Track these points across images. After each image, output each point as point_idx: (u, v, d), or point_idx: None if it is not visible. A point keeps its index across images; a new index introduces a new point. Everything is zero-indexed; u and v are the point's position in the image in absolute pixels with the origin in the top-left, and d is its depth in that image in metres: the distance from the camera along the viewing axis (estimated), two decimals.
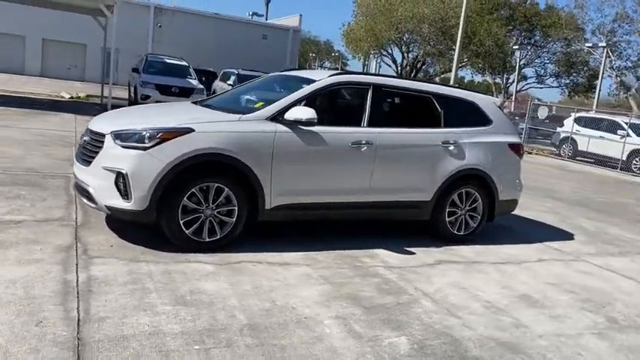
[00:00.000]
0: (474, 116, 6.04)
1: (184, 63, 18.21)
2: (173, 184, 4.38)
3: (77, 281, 3.69)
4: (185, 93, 15.71)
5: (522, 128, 21.24)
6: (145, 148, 4.34)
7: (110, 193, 4.39)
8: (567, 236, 7.03)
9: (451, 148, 5.67)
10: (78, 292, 3.52)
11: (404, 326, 3.63)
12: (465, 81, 59.08)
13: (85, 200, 4.65)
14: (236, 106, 5.41)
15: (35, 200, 5.53)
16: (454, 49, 26.18)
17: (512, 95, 42.47)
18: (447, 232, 5.82)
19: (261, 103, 5.04)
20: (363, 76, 5.52)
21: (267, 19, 52.66)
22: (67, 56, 36.64)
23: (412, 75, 35.62)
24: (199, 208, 4.54)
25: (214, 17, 40.03)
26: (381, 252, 5.23)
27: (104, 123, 4.77)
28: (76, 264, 3.99)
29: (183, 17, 38.91)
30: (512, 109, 34.68)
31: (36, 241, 4.35)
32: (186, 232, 4.50)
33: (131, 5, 37.70)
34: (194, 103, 5.61)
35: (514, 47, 39.92)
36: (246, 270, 4.30)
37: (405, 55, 35.66)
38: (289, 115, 4.79)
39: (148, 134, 4.38)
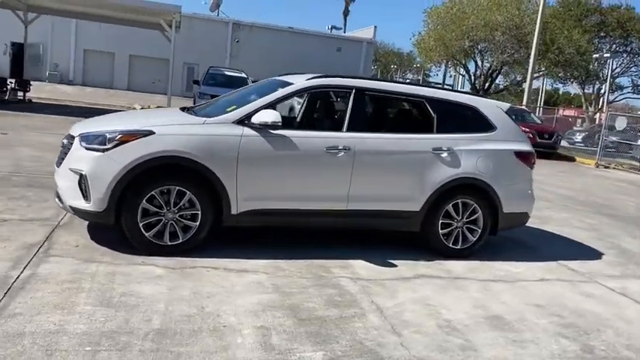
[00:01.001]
0: (474, 122, 5.62)
1: (243, 75, 18.68)
2: (132, 186, 4.40)
3: (17, 277, 3.77)
4: None
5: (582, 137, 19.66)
6: (103, 150, 4.40)
7: (74, 194, 4.49)
8: (593, 255, 6.35)
9: (444, 155, 5.30)
10: (9, 288, 3.59)
11: (330, 341, 3.38)
12: (548, 90, 56.11)
13: (56, 200, 4.79)
14: (218, 112, 5.37)
15: (36, 201, 5.78)
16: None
17: (603, 106, 39.77)
18: (440, 245, 5.44)
19: (233, 107, 4.97)
20: (344, 79, 5.29)
21: (345, 32, 53.03)
22: (152, 71, 38.74)
23: (486, 86, 34.32)
24: (160, 211, 4.53)
25: (289, 31, 40.81)
26: (359, 263, 4.97)
27: (80, 126, 4.90)
28: (29, 261, 4.09)
29: (260, 32, 39.99)
30: (602, 121, 32.33)
31: (6, 238, 4.52)
32: (147, 234, 4.50)
33: (211, 22, 39.53)
34: (183, 109, 5.63)
35: (605, 55, 37.49)
36: (197, 275, 4.22)
37: (479, 64, 34.44)
38: (255, 119, 4.68)
39: (108, 137, 4.44)
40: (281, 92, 4.98)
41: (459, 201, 5.42)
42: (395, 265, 5.04)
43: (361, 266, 4.90)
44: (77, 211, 4.51)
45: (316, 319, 3.68)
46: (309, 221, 5.06)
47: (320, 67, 38.78)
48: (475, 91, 34.93)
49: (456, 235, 5.49)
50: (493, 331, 3.83)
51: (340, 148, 4.93)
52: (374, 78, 6.10)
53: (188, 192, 4.54)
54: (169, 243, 4.58)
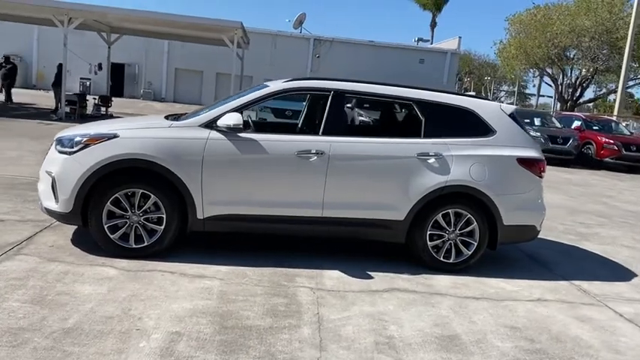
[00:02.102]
0: (470, 126, 5.19)
1: None
2: (96, 188, 4.48)
3: None
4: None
5: None
6: (70, 153, 4.53)
7: (47, 195, 4.65)
8: (621, 277, 5.61)
9: (431, 161, 4.92)
10: None
11: (239, 351, 3.20)
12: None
13: (38, 202, 4.98)
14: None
15: None
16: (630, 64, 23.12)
17: None
18: (428, 258, 5.04)
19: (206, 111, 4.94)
20: (322, 81, 5.08)
21: (432, 44, 52.11)
22: (236, 87, 40.27)
23: (574, 96, 32.09)
24: (126, 214, 4.57)
25: (370, 45, 40.75)
26: (332, 273, 4.72)
27: (65, 130, 5.08)
28: None
29: (341, 47, 40.33)
30: None
31: None
32: (112, 237, 4.55)
33: (292, 39, 40.42)
34: (167, 116, 5.54)
35: None
36: (148, 278, 4.19)
37: (567, 73, 32.27)
38: (220, 122, 4.61)
39: (75, 140, 4.56)
40: (252, 95, 4.89)
41: (449, 211, 5.01)
42: (371, 277, 4.74)
43: (332, 276, 4.65)
44: (50, 212, 4.66)
45: (241, 328, 3.50)
46: (282, 228, 4.89)
47: (401, 79, 38.19)
48: (563, 102, 32.81)
49: (448, 248, 5.07)
50: (436, 352, 3.44)
51: (313, 152, 4.73)
52: (362, 81, 5.50)
53: (152, 195, 4.55)
54: (134, 246, 4.60)
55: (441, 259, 5.05)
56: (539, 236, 6.79)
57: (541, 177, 5.27)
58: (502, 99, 79.16)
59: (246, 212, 4.73)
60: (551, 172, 15.69)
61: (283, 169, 4.73)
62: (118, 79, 38.92)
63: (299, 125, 6.33)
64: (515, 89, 73.05)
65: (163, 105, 33.42)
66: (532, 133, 17.62)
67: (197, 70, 39.42)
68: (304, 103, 6.56)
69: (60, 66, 16.97)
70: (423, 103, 5.09)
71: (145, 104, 32.03)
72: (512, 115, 5.31)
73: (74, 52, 32.81)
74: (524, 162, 5.14)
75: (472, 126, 5.17)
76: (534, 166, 5.19)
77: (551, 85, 35.14)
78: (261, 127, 5.96)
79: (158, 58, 38.95)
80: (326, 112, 4.92)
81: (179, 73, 39.86)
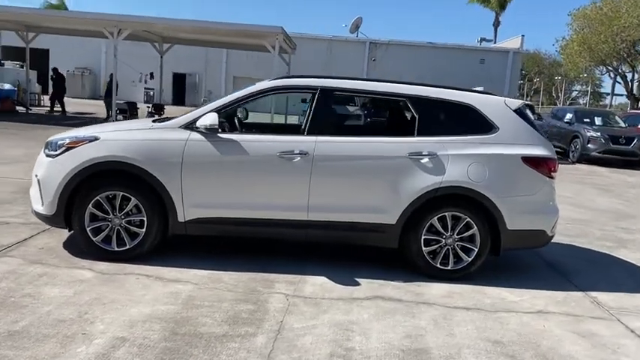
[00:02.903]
0: (469, 122, 4.82)
1: None
2: (78, 190, 4.49)
3: None
4: None
5: None
6: (54, 156, 4.57)
7: (36, 198, 4.71)
8: None
9: (424, 160, 4.60)
10: None
11: None
12: None
13: None
14: None
15: None
16: None
17: None
18: (423, 265, 4.71)
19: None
20: (310, 79, 4.88)
21: (495, 43, 50.44)
22: (294, 94, 40.55)
23: None
24: (108, 217, 4.56)
25: (428, 46, 39.96)
26: (317, 279, 4.51)
27: (56, 134, 5.15)
28: None
29: (397, 49, 39.78)
30: None
31: None
32: (94, 239, 4.55)
33: (348, 43, 40.26)
34: (154, 120, 5.48)
35: None
36: (120, 282, 4.14)
37: (638, 69, 30.18)
38: (199, 123, 4.52)
39: (58, 143, 4.60)
40: (237, 95, 4.76)
41: (445, 214, 4.66)
42: (357, 284, 4.48)
43: (315, 282, 4.43)
44: (37, 215, 4.72)
45: (192, 336, 3.36)
46: (266, 231, 4.72)
47: (462, 80, 37.21)
48: (634, 100, 30.70)
49: (446, 254, 4.72)
50: None
51: (296, 152, 4.54)
52: (354, 78, 5.11)
53: (133, 198, 4.51)
54: (117, 249, 4.57)
55: (438, 265, 4.71)
56: (566, 242, 6.31)
57: (551, 177, 4.81)
58: (574, 99, 75.47)
59: (228, 215, 4.60)
60: (610, 174, 14.66)
61: (265, 170, 4.57)
62: (180, 89, 40.22)
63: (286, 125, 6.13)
64: (589, 88, 69.41)
65: (280, 116, 34.08)
66: (591, 133, 16.59)
67: (254, 78, 39.55)
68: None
69: (111, 76, 17.65)
70: (416, 100, 4.78)
71: (265, 116, 32.75)
72: (518, 111, 4.89)
73: (134, 63, 34.28)
74: (530, 161, 4.71)
75: (471, 123, 4.80)
76: (542, 165, 4.75)
77: (620, 83, 33.04)
78: (252, 127, 5.81)
79: (217, 68, 39.90)
80: (311, 111, 4.72)
81: (237, 81, 40.59)
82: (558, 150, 18.92)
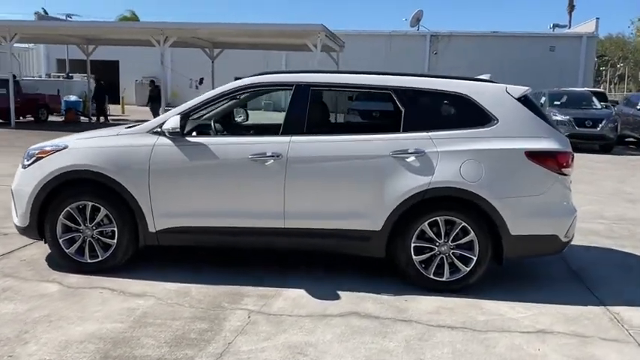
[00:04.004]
0: (461, 114, 4.28)
1: None
2: (49, 201, 4.37)
3: None
4: None
5: None
6: (25, 166, 4.47)
7: (13, 210, 4.63)
8: None
9: (410, 159, 4.11)
10: None
11: None
12: None
13: None
14: None
15: None
16: None
17: None
18: (415, 276, 4.22)
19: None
20: (285, 74, 4.50)
21: (569, 28, 47.61)
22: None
23: None
24: (79, 228, 4.40)
25: (492, 36, 38.23)
26: (291, 292, 4.14)
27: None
28: None
29: (460, 41, 38.35)
30: None
31: None
32: (67, 251, 4.41)
33: (408, 37, 39.28)
34: (128, 126, 5.23)
35: None
36: (81, 296, 3.96)
37: None
38: (164, 127, 4.26)
39: (30, 152, 4.50)
40: (205, 96, 4.47)
41: (438, 218, 4.15)
42: (336, 298, 4.07)
43: (289, 296, 4.06)
44: (16, 227, 4.64)
45: (122, 358, 3.09)
46: (242, 241, 4.40)
47: (530, 70, 35.48)
48: None
49: (440, 264, 4.20)
50: None
51: (268, 155, 4.19)
52: (336, 71, 4.65)
53: (102, 208, 4.33)
54: (89, 261, 4.42)
55: (431, 276, 4.20)
56: (606, 245, 5.58)
57: (563, 174, 4.17)
58: None
59: (199, 224, 4.33)
60: None
61: (237, 175, 4.25)
62: None
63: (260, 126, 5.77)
64: None
65: (281, 115, 34.31)
66: None
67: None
68: None
69: (151, 83, 18.04)
70: (402, 92, 4.29)
71: (263, 115, 33.11)
72: (523, 99, 4.28)
73: (193, 70, 35.10)
74: (535, 156, 4.10)
75: (465, 115, 4.26)
76: (551, 160, 4.12)
77: None
78: (244, 129, 5.49)
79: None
80: (287, 109, 4.35)
81: None
82: (632, 140, 17.36)
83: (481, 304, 4.01)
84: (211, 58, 21.29)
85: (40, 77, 30.23)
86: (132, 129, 4.50)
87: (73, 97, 22.70)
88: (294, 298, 4.04)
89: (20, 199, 4.42)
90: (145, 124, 4.47)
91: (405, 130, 4.21)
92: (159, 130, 4.32)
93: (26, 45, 38.40)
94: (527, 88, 4.35)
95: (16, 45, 36.26)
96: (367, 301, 4.01)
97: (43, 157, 4.40)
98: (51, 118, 21.24)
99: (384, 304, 3.98)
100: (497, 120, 4.17)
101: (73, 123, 20.34)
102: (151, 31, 16.39)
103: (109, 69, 36.91)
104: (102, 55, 30.08)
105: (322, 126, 4.60)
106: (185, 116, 4.30)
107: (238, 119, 5.75)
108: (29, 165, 4.44)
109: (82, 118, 21.93)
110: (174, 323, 3.57)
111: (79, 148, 4.38)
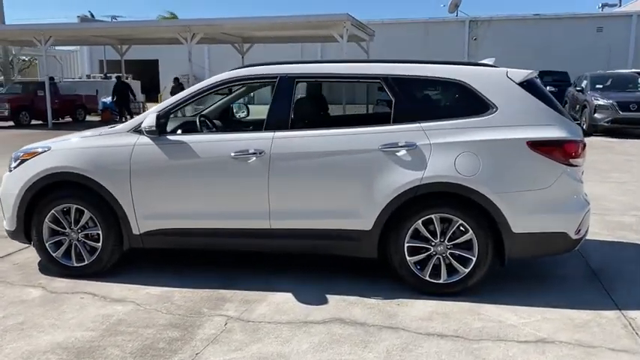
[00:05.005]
0: (457, 102, 3.97)
1: None
2: (34, 204, 4.29)
3: None
4: None
5: None
6: (10, 170, 4.41)
7: (3, 214, 4.60)
8: None
9: (400, 153, 3.81)
10: None
11: None
12: None
13: None
14: None
15: None
16: None
17: None
18: (410, 278, 3.93)
19: None
20: (268, 66, 4.25)
21: (620, 7, 45.36)
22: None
23: None
24: (65, 231, 4.31)
25: (534, 19, 36.79)
26: (278, 296, 3.92)
27: None
28: None
29: (500, 25, 37.11)
30: None
31: None
32: (53, 254, 4.33)
33: (445, 24, 38.31)
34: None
35: None
36: (61, 302, 3.86)
37: None
38: (142, 126, 4.10)
39: (16, 155, 4.44)
40: (185, 93, 4.28)
41: (432, 216, 3.83)
42: (323, 302, 3.83)
43: (273, 301, 3.85)
44: (6, 231, 4.59)
45: None
46: (226, 243, 4.21)
47: (575, 53, 34.04)
48: None
49: (436, 265, 3.89)
50: None
51: (251, 152, 3.97)
52: (322, 61, 4.33)
53: (86, 210, 4.23)
54: (76, 265, 4.32)
55: (427, 278, 3.90)
56: (633, 241, 5.14)
57: (571, 164, 3.77)
58: None
59: (184, 226, 4.16)
60: None
61: (219, 174, 4.05)
62: None
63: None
64: None
65: None
66: None
67: None
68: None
69: (175, 80, 18.13)
70: (393, 80, 3.98)
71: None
72: (525, 84, 3.90)
73: (229, 67, 35.26)
74: (538, 145, 3.73)
75: (461, 103, 3.94)
76: (557, 150, 3.74)
77: None
78: (241, 125, 5.29)
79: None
80: (270, 103, 4.12)
81: None
82: None
83: (479, 309, 3.68)
84: (241, 53, 21.25)
85: (80, 79, 31.02)
86: (114, 128, 4.37)
87: (109, 98, 23.14)
88: (278, 303, 3.82)
89: (7, 202, 4.36)
90: (127, 122, 4.33)
91: (396, 122, 3.91)
92: (139, 128, 4.16)
93: (72, 48, 39.62)
94: (531, 71, 3.96)
95: (59, 48, 37.55)
96: (355, 306, 3.75)
97: (27, 160, 4.32)
98: (89, 118, 21.74)
99: (372, 309, 3.71)
100: (497, 108, 3.81)
101: (109, 122, 20.72)
102: (178, 28, 16.44)
103: (149, 68, 37.49)
104: (141, 54, 30.60)
105: (308, 120, 4.34)
106: (165, 114, 4.13)
107: (237, 115, 5.57)
108: (15, 168, 4.37)
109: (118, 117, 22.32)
110: (146, 331, 3.41)
111: (61, 150, 4.28)
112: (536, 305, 3.73)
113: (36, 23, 18.29)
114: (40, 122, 19.55)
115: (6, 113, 18.49)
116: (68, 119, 21.25)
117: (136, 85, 26.68)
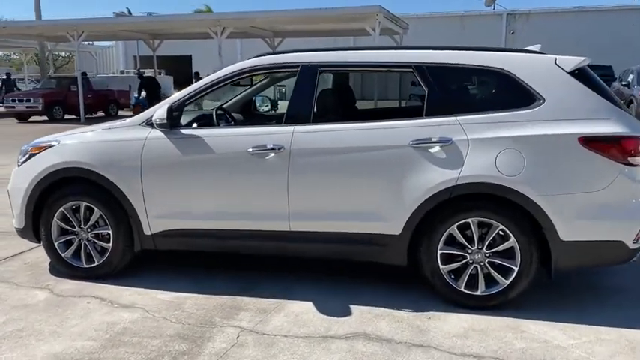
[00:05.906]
0: (499, 93, 3.54)
1: None
2: (43, 202, 4.07)
3: None
4: None
5: None
6: (20, 164, 4.20)
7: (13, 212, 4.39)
8: None
9: (433, 150, 3.43)
10: None
11: None
12: None
13: None
14: None
15: None
16: None
17: None
18: (443, 288, 3.54)
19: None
20: (289, 54, 3.89)
21: None
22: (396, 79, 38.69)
23: None
24: (75, 230, 4.08)
25: (575, 11, 35.49)
26: (296, 305, 3.60)
27: None
28: None
29: (539, 18, 35.95)
30: None
31: None
32: (63, 254, 4.10)
33: (482, 17, 37.29)
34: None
35: None
36: (66, 307, 3.62)
37: None
38: (153, 119, 3.81)
39: (24, 149, 4.22)
40: (199, 84, 3.97)
41: (469, 220, 3.43)
42: (346, 314, 3.48)
43: (292, 311, 3.52)
44: (15, 230, 4.37)
45: None
46: (241, 246, 3.89)
47: (619, 47, 32.66)
48: None
49: (473, 274, 3.50)
50: None
51: (269, 147, 3.64)
52: (347, 48, 4.06)
53: (96, 209, 3.97)
54: (85, 265, 4.08)
55: (463, 289, 3.50)
56: None
57: (631, 164, 3.31)
58: None
59: (197, 226, 3.86)
60: None
61: (235, 171, 3.74)
62: None
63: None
64: None
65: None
66: None
67: None
68: None
69: (196, 75, 18.00)
70: (426, 68, 3.59)
71: None
72: (577, 72, 3.46)
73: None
74: (592, 142, 3.28)
75: (503, 94, 3.52)
76: (613, 147, 3.28)
77: None
78: (248, 119, 4.92)
79: None
80: (291, 95, 3.78)
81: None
82: None
83: (522, 326, 3.27)
84: (272, 48, 20.99)
85: (114, 74, 31.35)
86: (125, 121, 4.10)
87: (143, 93, 23.22)
88: (296, 313, 3.49)
89: (15, 199, 4.15)
90: (141, 115, 4.05)
91: (429, 115, 3.52)
92: (151, 121, 3.87)
93: (108, 43, 40.13)
94: (583, 58, 3.50)
95: (96, 44, 38.06)
96: (382, 319, 3.39)
97: (35, 154, 4.10)
98: (121, 113, 21.84)
99: (401, 323, 3.34)
100: (544, 99, 3.38)
101: None
102: (208, 22, 16.27)
103: (182, 63, 37.64)
104: (174, 50, 30.69)
105: (331, 112, 3.98)
106: (178, 107, 3.84)
107: (260, 109, 5.25)
108: (23, 163, 4.15)
109: None
110: (151, 343, 3.12)
111: (70, 144, 4.04)
112: (588, 322, 3.30)
113: (69, 18, 18.32)
114: (74, 117, 19.72)
115: (40, 108, 18.70)
116: (101, 114, 21.40)
117: (168, 81, 26.82)
